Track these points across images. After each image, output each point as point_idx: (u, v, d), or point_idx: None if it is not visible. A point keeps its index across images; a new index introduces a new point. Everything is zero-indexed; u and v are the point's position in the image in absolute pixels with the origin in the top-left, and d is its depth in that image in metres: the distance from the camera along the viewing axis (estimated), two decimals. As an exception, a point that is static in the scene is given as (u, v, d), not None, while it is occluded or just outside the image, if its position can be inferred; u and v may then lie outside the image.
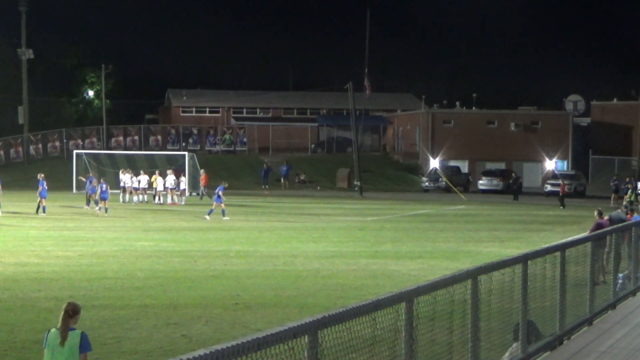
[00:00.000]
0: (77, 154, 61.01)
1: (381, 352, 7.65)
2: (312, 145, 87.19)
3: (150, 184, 50.11)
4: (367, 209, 48.88)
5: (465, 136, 79.64)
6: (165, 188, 49.41)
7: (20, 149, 76.36)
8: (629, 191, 53.61)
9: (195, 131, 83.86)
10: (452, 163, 77.71)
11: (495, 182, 70.23)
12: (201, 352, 5.12)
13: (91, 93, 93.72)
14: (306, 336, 6.20)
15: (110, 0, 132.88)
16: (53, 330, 9.54)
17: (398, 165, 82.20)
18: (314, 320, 6.30)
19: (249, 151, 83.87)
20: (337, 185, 71.38)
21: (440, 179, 68.91)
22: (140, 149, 75.38)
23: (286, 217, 41.63)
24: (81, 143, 77.68)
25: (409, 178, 77.92)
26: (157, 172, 50.94)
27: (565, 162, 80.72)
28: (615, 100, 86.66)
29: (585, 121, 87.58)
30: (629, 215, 22.94)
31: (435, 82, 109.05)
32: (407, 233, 34.99)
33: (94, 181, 42.44)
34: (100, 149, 74.08)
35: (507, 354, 10.79)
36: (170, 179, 49.49)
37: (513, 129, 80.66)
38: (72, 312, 9.53)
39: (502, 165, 76.84)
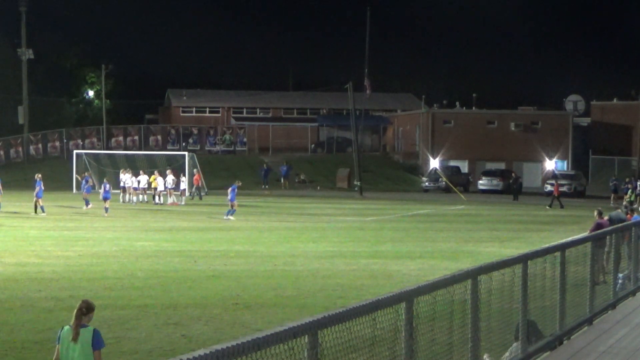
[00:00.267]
0: (77, 154, 61.00)
1: (381, 352, 7.64)
2: (312, 145, 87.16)
3: (149, 184, 50.15)
4: (367, 209, 48.86)
5: (465, 136, 79.63)
6: (165, 188, 49.45)
7: (20, 149, 76.37)
8: (629, 191, 53.62)
9: (195, 131, 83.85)
10: (452, 163, 77.67)
11: (495, 182, 70.17)
12: (201, 352, 5.12)
13: (91, 93, 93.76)
14: (306, 336, 6.20)
15: (110, 0, 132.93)
16: (66, 327, 9.56)
17: (398, 165, 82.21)
18: (314, 320, 6.29)
19: (249, 151, 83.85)
20: (337, 185, 71.32)
21: (440, 179, 68.86)
22: (140, 149, 75.38)
23: (286, 217, 41.63)
24: (81, 143, 77.68)
25: (409, 178, 77.92)
26: (156, 172, 50.98)
27: (565, 162, 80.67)
28: (615, 100, 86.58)
29: (585, 121, 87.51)
30: (628, 215, 22.94)
31: (435, 82, 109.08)
32: (407, 233, 34.97)
33: (90, 180, 42.43)
34: (100, 149, 74.10)
35: (507, 354, 10.79)
36: (170, 179, 49.52)
37: (513, 129, 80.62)
38: (85, 309, 9.53)
39: (502, 165, 76.77)
